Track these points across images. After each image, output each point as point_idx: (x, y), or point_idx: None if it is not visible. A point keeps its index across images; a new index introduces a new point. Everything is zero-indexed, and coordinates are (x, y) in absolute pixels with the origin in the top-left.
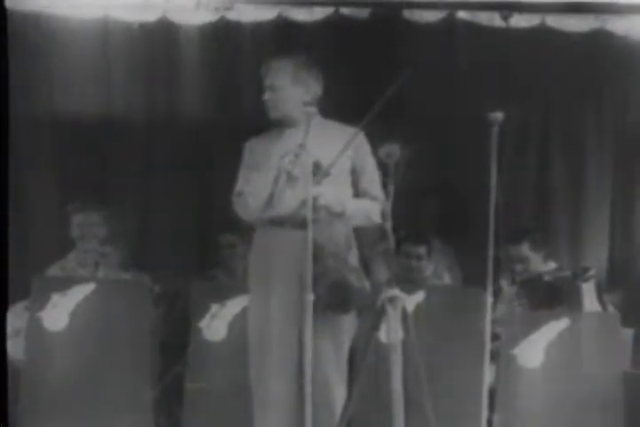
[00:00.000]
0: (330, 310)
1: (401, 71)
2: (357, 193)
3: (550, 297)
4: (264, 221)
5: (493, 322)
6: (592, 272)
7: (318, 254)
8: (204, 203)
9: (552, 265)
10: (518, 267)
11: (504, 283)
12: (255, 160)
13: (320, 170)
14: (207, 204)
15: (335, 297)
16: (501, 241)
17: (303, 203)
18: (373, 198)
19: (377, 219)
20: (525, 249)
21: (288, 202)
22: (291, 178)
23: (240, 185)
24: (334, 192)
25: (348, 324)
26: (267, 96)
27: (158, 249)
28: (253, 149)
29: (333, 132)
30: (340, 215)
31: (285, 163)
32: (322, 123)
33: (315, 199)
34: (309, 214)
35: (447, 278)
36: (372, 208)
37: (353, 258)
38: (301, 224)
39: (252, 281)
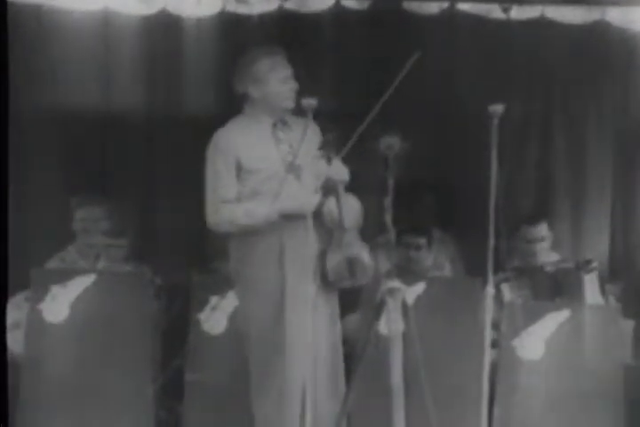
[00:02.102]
0: (338, 282)
1: (410, 56)
2: None
3: (552, 288)
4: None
5: (494, 313)
6: (594, 264)
7: (337, 229)
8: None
9: (555, 257)
10: (538, 246)
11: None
12: (239, 160)
13: (332, 144)
14: None
15: (347, 271)
16: (520, 224)
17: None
18: None
19: None
20: (544, 229)
21: (297, 195)
22: (294, 168)
23: (227, 192)
24: (343, 168)
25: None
26: (282, 86)
27: (159, 241)
28: (235, 146)
29: (304, 126)
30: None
31: (284, 153)
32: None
33: (336, 174)
34: (309, 208)
35: (448, 270)
36: None
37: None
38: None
39: (260, 275)
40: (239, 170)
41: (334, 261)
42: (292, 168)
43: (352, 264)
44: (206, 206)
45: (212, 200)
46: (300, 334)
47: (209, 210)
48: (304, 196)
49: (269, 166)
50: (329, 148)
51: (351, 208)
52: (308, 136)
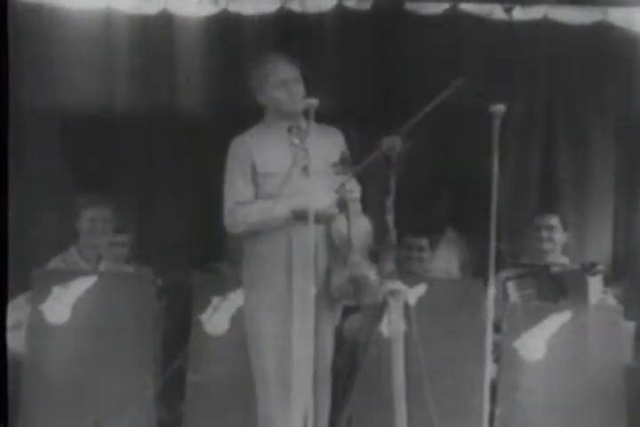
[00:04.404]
0: (343, 300)
1: (453, 79)
2: None
3: (556, 289)
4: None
5: (495, 314)
6: (600, 267)
7: (344, 247)
8: (208, 195)
9: (566, 260)
10: (545, 234)
11: None
12: (254, 164)
13: (347, 162)
14: (211, 195)
15: (353, 290)
16: (531, 213)
17: (332, 198)
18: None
19: None
20: (555, 220)
21: (307, 192)
22: (306, 173)
23: (242, 195)
24: (357, 186)
25: (338, 314)
26: (281, 91)
27: (161, 242)
28: (250, 150)
29: (320, 130)
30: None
31: (298, 158)
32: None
33: (348, 192)
34: (311, 210)
35: (457, 269)
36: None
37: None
38: (328, 219)
39: (266, 277)
40: (255, 174)
41: (339, 279)
42: (305, 173)
43: (357, 283)
44: (224, 210)
45: (228, 203)
46: (305, 336)
47: (225, 213)
48: (315, 193)
49: (283, 170)
50: (343, 165)
51: (360, 227)
52: (316, 138)
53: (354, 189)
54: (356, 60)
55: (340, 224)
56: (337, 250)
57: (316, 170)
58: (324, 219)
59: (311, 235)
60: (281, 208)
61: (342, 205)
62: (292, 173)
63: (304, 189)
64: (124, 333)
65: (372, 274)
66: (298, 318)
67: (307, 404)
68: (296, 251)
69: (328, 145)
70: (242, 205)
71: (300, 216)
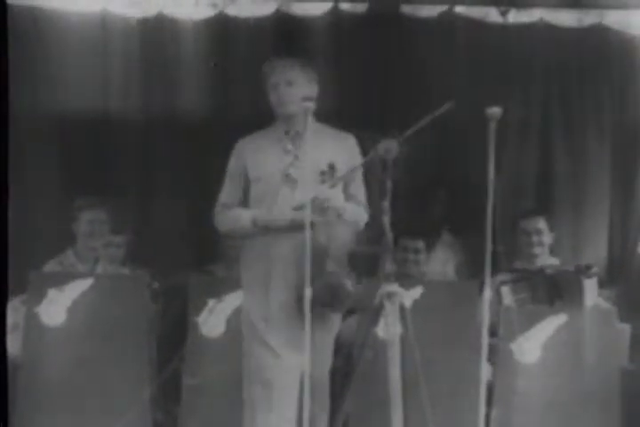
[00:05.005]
0: (321, 308)
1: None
2: (345, 198)
3: (551, 291)
4: (261, 227)
5: (491, 317)
6: (595, 269)
7: (321, 256)
8: (203, 197)
9: (555, 261)
10: (535, 238)
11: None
12: (246, 167)
13: (335, 172)
14: (207, 197)
15: (329, 298)
16: (517, 218)
17: (308, 206)
18: (359, 204)
19: (362, 224)
20: (541, 222)
21: (288, 205)
22: (290, 180)
23: (228, 196)
24: (339, 195)
25: (335, 319)
26: (274, 94)
27: (156, 245)
28: (245, 153)
29: (326, 135)
30: (341, 218)
31: (286, 164)
32: (315, 127)
33: (325, 201)
34: (308, 215)
35: (452, 273)
36: (360, 214)
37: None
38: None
39: (250, 281)
40: (246, 177)
41: (317, 288)
42: (289, 180)
43: (333, 291)
44: None
45: (217, 202)
46: (290, 339)
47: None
48: (279, 210)
49: (268, 176)
50: (330, 174)
51: (339, 236)
52: (314, 144)
53: (337, 197)
54: (352, 63)
55: (318, 233)
56: (315, 258)
57: (305, 177)
58: (297, 228)
59: (289, 243)
60: (245, 219)
61: (320, 213)
62: (277, 179)
63: (281, 198)
64: (119, 335)
65: (348, 283)
66: (279, 321)
67: (300, 407)
68: (275, 258)
69: (326, 151)
70: (224, 207)
71: (266, 227)
